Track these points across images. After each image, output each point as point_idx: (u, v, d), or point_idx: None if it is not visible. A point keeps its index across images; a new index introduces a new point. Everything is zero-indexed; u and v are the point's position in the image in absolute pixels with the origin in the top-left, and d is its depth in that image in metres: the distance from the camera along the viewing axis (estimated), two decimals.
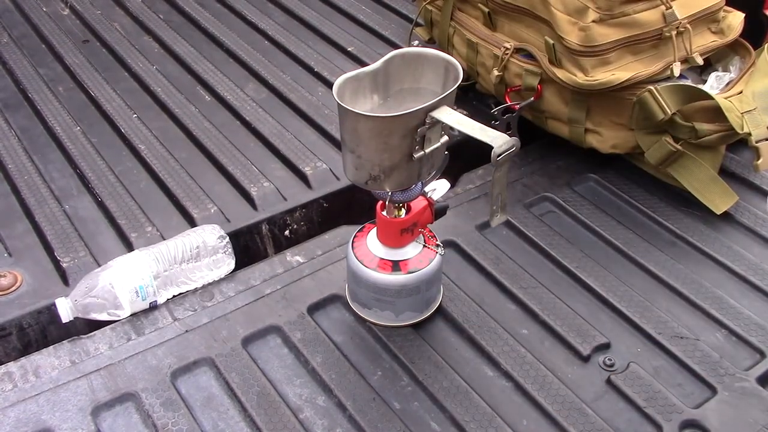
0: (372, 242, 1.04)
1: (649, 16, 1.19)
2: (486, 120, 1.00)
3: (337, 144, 1.39)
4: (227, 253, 1.14)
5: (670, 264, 1.17)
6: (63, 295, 1.07)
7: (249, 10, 1.85)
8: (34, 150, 1.41)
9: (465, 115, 0.87)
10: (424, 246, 1.04)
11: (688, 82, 1.26)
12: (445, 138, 0.93)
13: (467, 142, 0.85)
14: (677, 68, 1.22)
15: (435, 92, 0.92)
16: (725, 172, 1.32)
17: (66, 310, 1.04)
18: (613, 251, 1.20)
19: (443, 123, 0.87)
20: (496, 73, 1.36)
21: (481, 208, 1.27)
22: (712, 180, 1.25)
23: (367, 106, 0.95)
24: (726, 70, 1.34)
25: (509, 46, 1.34)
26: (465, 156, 1.27)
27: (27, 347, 1.10)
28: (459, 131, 0.86)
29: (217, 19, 1.82)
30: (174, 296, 1.10)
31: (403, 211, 1.01)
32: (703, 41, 1.26)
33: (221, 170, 1.35)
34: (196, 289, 1.11)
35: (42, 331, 1.11)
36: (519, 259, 1.18)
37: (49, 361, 1.01)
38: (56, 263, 1.16)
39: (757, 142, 1.18)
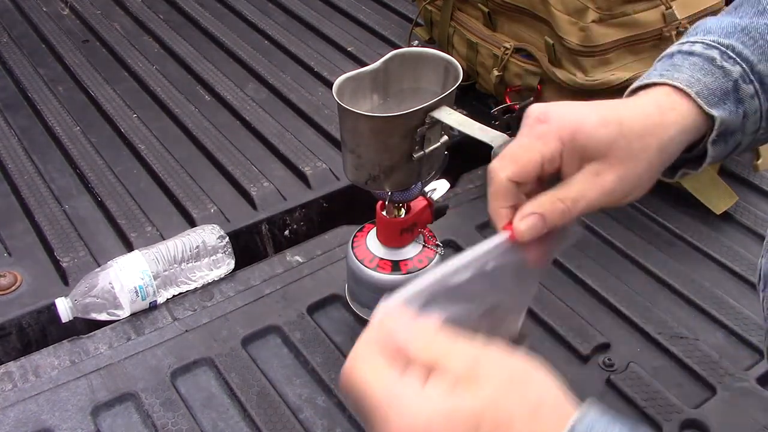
0: (372, 242, 1.04)
1: (649, 16, 1.19)
2: (486, 120, 1.00)
3: (337, 144, 1.39)
4: (227, 253, 1.14)
5: (670, 264, 1.17)
6: (63, 295, 1.07)
7: (249, 10, 1.85)
8: (34, 150, 1.41)
9: (465, 115, 0.87)
10: (424, 246, 1.04)
11: None
12: (445, 138, 0.93)
13: (467, 142, 0.85)
14: None
15: (435, 92, 0.92)
16: (725, 172, 1.31)
17: (65, 309, 1.04)
18: (613, 251, 1.20)
19: (443, 123, 0.87)
20: (495, 73, 1.36)
21: (481, 208, 1.26)
22: (712, 180, 1.25)
23: (366, 106, 0.95)
24: None
25: (509, 46, 1.34)
26: (465, 156, 1.26)
27: (27, 347, 1.10)
28: (459, 131, 0.86)
29: (217, 19, 1.82)
30: (174, 296, 1.10)
31: (403, 211, 1.01)
32: None
33: (221, 170, 1.35)
34: (195, 289, 1.11)
35: (42, 330, 1.11)
36: None
37: (49, 360, 1.01)
38: (56, 263, 1.16)
39: None
